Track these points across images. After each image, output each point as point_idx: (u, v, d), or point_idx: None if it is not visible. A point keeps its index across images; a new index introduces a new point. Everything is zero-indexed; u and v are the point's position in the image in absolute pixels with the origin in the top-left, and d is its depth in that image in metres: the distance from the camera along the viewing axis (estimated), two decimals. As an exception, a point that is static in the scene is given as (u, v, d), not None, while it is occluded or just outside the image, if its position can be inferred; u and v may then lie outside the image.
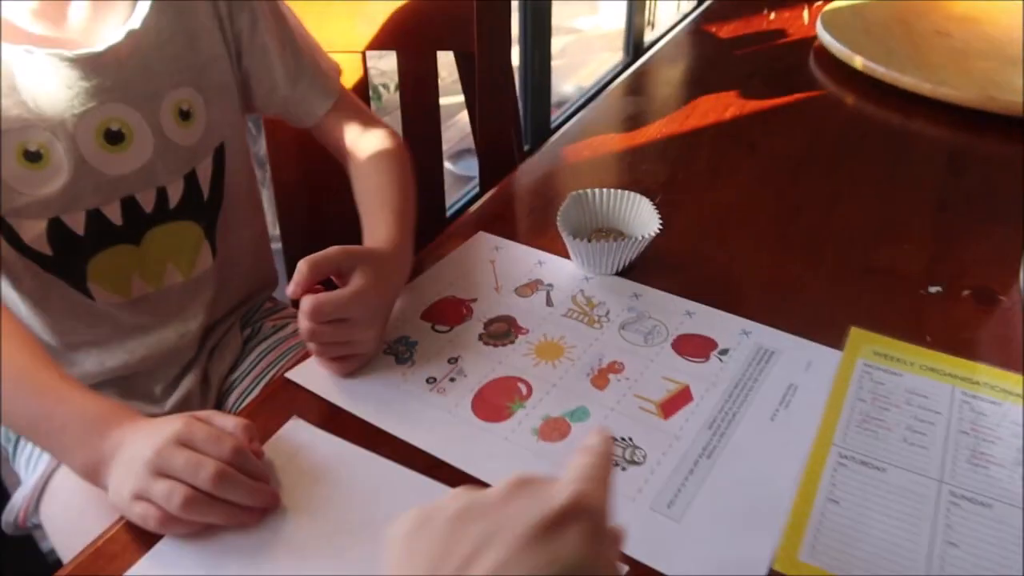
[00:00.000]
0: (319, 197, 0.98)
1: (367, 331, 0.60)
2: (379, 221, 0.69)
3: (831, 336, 0.65)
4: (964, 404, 0.59)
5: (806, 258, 0.76)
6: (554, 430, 0.56)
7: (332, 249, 0.60)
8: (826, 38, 1.16)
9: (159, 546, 0.48)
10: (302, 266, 0.58)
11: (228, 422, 0.53)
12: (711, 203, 0.85)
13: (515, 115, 1.02)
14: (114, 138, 0.64)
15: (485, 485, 0.51)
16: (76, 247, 0.67)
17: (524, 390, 0.60)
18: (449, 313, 0.67)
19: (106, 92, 0.63)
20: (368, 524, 0.50)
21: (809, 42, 1.23)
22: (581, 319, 0.67)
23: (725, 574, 0.47)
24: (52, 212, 0.64)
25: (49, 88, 0.61)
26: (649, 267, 0.73)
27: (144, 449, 0.49)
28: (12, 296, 0.68)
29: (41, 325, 0.70)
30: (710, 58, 1.23)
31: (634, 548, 0.48)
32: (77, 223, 0.66)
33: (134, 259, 0.70)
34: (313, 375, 0.60)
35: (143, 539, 0.49)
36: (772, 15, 1.34)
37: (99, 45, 0.63)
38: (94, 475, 0.52)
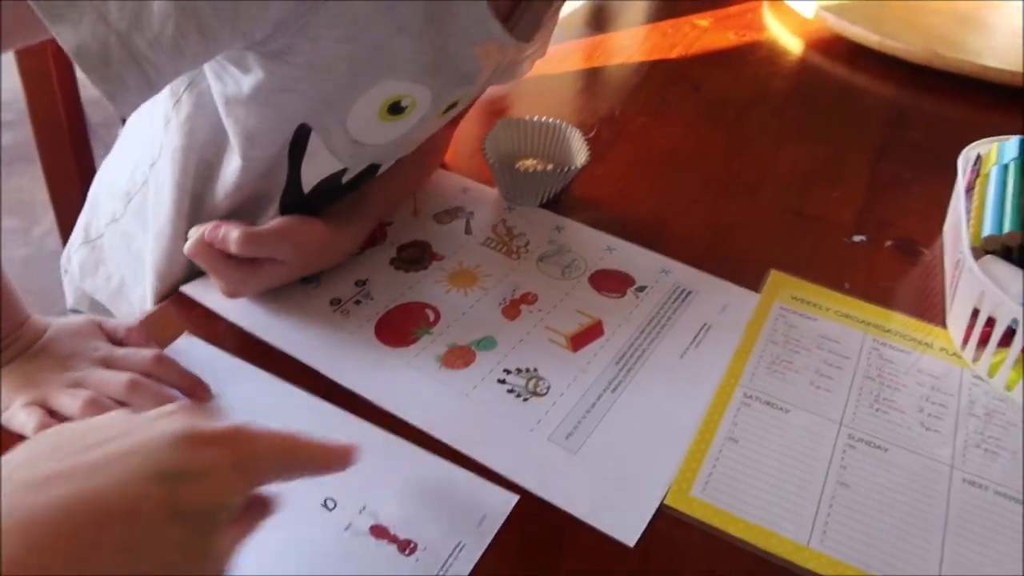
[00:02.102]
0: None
1: (260, 282, 0.56)
2: (375, 189, 0.63)
3: (752, 280, 0.64)
4: (874, 351, 0.59)
5: (738, 201, 0.74)
6: (458, 358, 0.54)
7: (271, 233, 0.54)
8: (782, -16, 1.13)
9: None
10: (241, 238, 0.52)
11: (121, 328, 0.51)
12: (648, 141, 0.83)
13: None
14: (395, 110, 0.55)
15: (383, 411, 0.50)
16: (330, 195, 0.61)
17: (432, 316, 0.57)
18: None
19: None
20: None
21: (765, -11, 1.20)
22: (499, 248, 0.64)
23: (615, 507, 0.46)
24: (351, 163, 0.58)
25: None
26: (575, 202, 0.71)
27: (58, 367, 0.48)
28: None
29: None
30: (664, -2, 1.20)
31: (526, 478, 0.47)
32: (352, 172, 0.60)
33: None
34: (210, 291, 0.57)
35: None
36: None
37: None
38: None
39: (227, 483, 0.32)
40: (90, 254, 0.68)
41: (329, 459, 0.37)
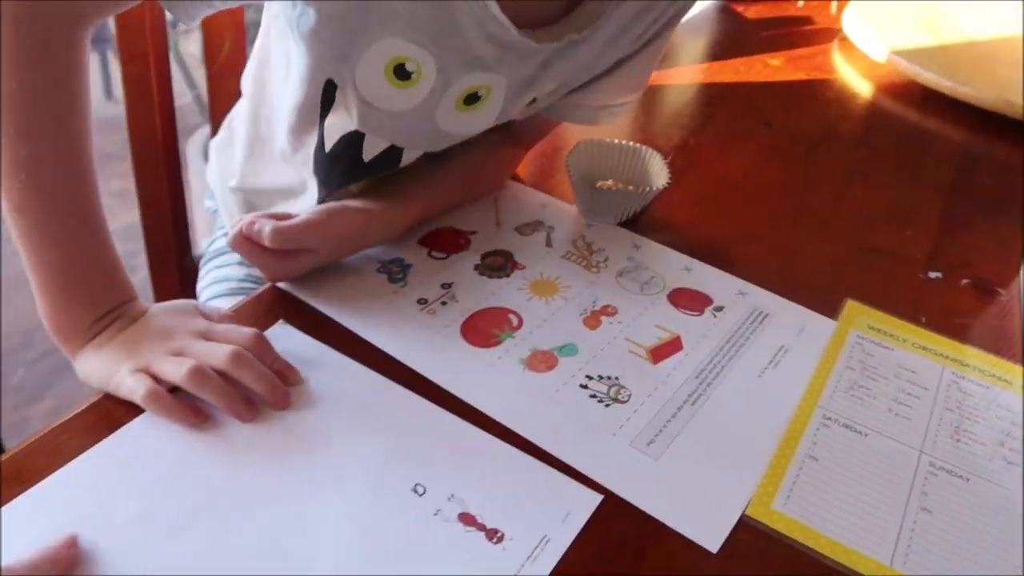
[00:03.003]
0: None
1: (295, 269, 0.59)
2: (415, 184, 0.66)
3: (826, 307, 0.64)
4: (952, 384, 0.59)
5: (810, 231, 0.75)
6: (541, 362, 0.56)
7: (299, 227, 0.57)
8: (851, 29, 1.15)
9: (126, 427, 0.48)
10: (271, 233, 0.55)
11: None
12: (721, 170, 0.84)
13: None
14: (471, 100, 0.59)
15: (465, 405, 0.52)
16: (352, 165, 0.63)
17: (515, 321, 0.59)
18: (447, 241, 0.66)
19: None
20: (343, 434, 0.49)
21: (834, 33, 1.22)
22: (579, 262, 0.66)
23: (698, 514, 0.47)
24: (366, 128, 0.60)
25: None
26: (652, 223, 0.72)
27: (162, 336, 0.50)
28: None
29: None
30: (733, 35, 1.22)
31: (608, 479, 0.48)
32: (373, 148, 0.62)
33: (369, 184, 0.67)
34: (302, 281, 0.60)
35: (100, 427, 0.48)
36: (800, 2, 1.33)
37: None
38: (74, 336, 0.51)
39: None
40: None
41: None
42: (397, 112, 0.59)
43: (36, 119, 0.48)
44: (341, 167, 0.63)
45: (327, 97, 0.59)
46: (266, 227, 0.55)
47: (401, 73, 0.56)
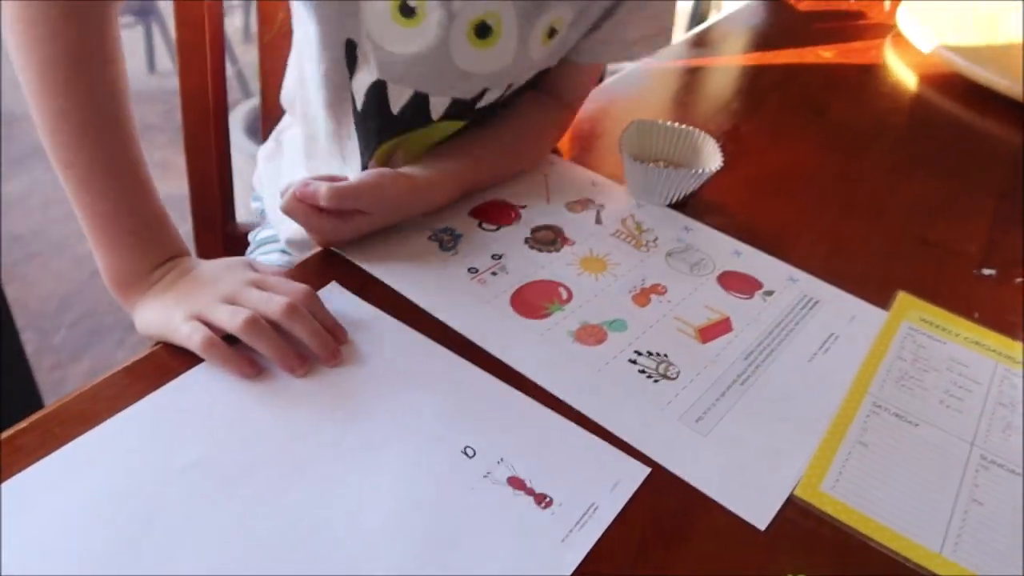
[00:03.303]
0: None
1: (349, 231, 0.59)
2: (461, 152, 0.66)
3: (877, 298, 0.64)
4: (1005, 379, 0.58)
5: (860, 223, 0.74)
6: (591, 335, 0.56)
7: (356, 187, 0.57)
8: (905, 25, 1.13)
9: (184, 376, 0.48)
10: (328, 192, 0.55)
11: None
12: (772, 157, 0.83)
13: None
14: (483, 32, 0.60)
15: (514, 372, 0.52)
16: (382, 120, 0.64)
17: (564, 295, 0.59)
18: (498, 214, 0.66)
19: None
20: (395, 394, 0.49)
21: (887, 28, 1.20)
22: (628, 241, 0.66)
23: (746, 491, 0.47)
24: (388, 76, 0.62)
25: None
26: (701, 206, 0.72)
27: (217, 283, 0.51)
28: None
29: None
30: (785, 26, 1.20)
31: (657, 453, 0.48)
32: (399, 98, 0.63)
33: (409, 141, 0.67)
34: (353, 246, 0.60)
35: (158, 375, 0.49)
36: (853, -2, 1.31)
37: None
38: (131, 286, 0.52)
39: None
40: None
41: None
42: (413, 54, 0.60)
43: (72, 75, 0.50)
44: (374, 125, 0.64)
45: (351, 58, 0.60)
46: (322, 187, 0.55)
47: (406, 11, 0.57)
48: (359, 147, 0.66)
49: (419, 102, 0.63)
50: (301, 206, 0.56)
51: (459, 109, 0.65)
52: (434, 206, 0.64)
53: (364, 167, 0.67)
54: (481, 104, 0.66)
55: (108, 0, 0.51)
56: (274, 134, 0.82)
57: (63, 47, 0.49)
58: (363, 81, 0.62)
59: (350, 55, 0.61)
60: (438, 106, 0.64)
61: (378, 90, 0.62)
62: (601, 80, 0.93)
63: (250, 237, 0.87)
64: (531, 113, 0.72)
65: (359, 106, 0.64)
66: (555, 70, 0.70)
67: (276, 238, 0.80)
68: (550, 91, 0.74)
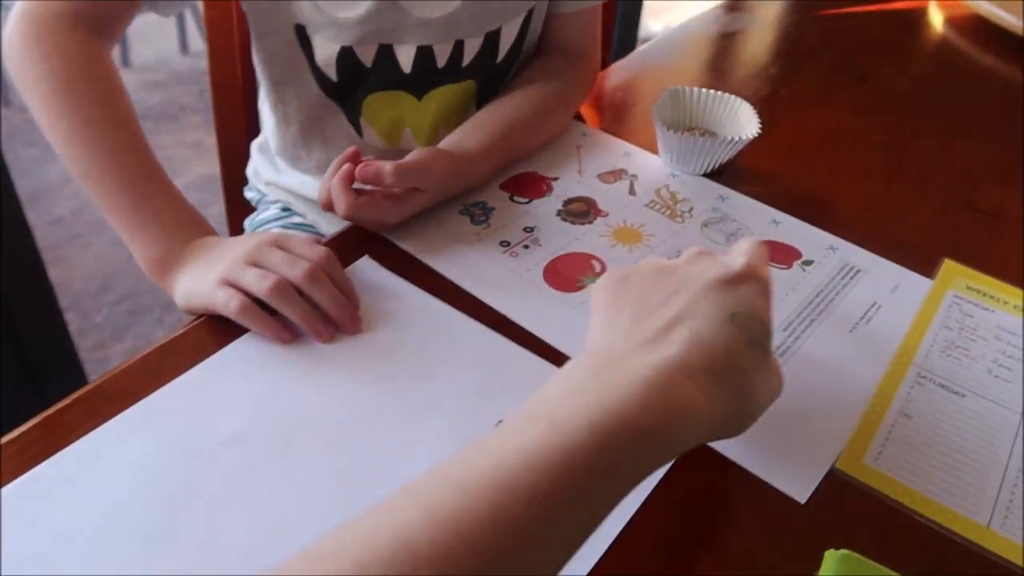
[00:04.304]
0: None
1: (407, 209, 0.59)
2: (490, 125, 0.66)
3: (922, 266, 0.62)
4: (1057, 348, 0.56)
5: (905, 189, 0.72)
6: (625, 308, 0.55)
7: (417, 164, 0.58)
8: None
9: (224, 350, 0.49)
10: (394, 170, 0.56)
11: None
12: (811, 123, 0.81)
13: (610, 16, 0.98)
14: None
15: (549, 347, 0.51)
16: (360, 78, 0.67)
17: (598, 267, 0.58)
18: (529, 187, 0.66)
19: None
20: (428, 367, 0.49)
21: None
22: (663, 211, 0.65)
23: (786, 464, 0.46)
24: (346, 40, 0.64)
25: None
26: (738, 174, 0.70)
27: (241, 245, 0.51)
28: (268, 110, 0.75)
29: (285, 140, 0.75)
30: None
31: (695, 426, 0.47)
32: (367, 55, 0.66)
33: (412, 112, 0.70)
34: (388, 222, 0.60)
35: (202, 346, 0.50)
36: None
37: None
38: (165, 267, 0.53)
39: (766, 310, 0.39)
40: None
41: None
42: (365, 12, 0.63)
43: (67, 99, 0.56)
44: (358, 92, 0.68)
45: (303, 41, 0.65)
46: (387, 166, 0.56)
47: None
48: (346, 120, 0.69)
49: (387, 55, 0.65)
50: (362, 202, 0.57)
51: (452, 67, 0.67)
52: (476, 182, 0.64)
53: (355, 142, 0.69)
54: (469, 61, 0.68)
55: (84, 30, 0.58)
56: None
57: (56, 78, 0.56)
58: (327, 52, 0.65)
59: (302, 38, 0.65)
60: (404, 59, 0.66)
61: (346, 56, 0.65)
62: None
63: (245, 224, 0.87)
64: (546, 77, 0.72)
65: (334, 77, 0.67)
66: (550, 26, 0.73)
67: (269, 219, 0.81)
68: (557, 49, 0.74)
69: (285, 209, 0.80)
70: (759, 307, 0.39)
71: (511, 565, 0.28)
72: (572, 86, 0.73)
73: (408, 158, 0.58)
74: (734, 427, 0.38)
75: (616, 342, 0.37)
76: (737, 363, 0.36)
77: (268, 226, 0.81)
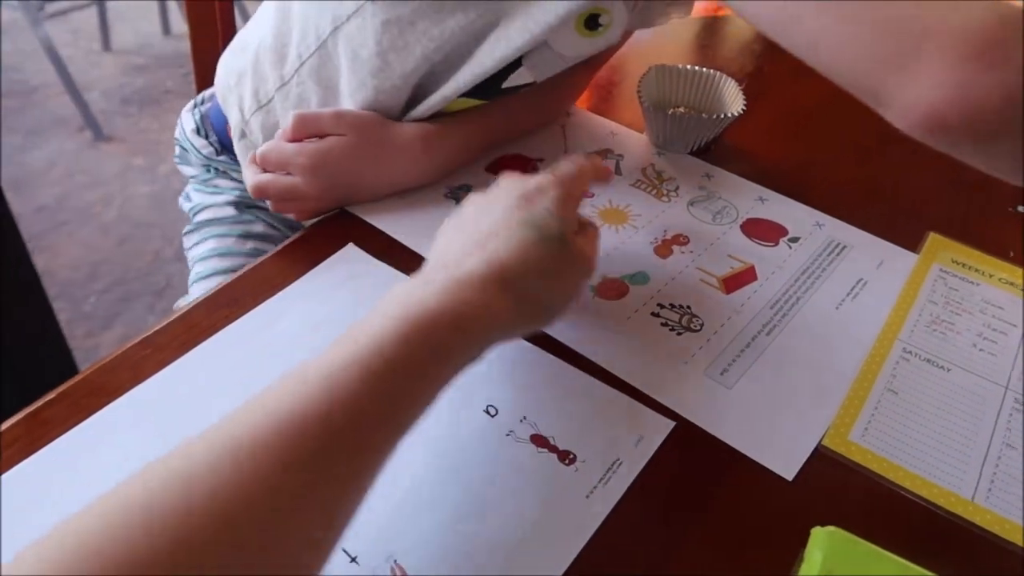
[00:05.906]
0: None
1: (308, 186, 0.58)
2: (465, 114, 0.64)
3: (906, 240, 0.62)
4: (1041, 321, 0.56)
5: (891, 163, 0.72)
6: (612, 289, 0.55)
7: (325, 111, 0.59)
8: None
9: (210, 340, 0.49)
10: (294, 118, 0.58)
11: None
12: (797, 98, 0.81)
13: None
14: (592, 24, 0.58)
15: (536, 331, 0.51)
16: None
17: (584, 249, 0.58)
18: (514, 168, 0.65)
19: None
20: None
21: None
22: (649, 191, 0.64)
23: (772, 443, 0.46)
24: None
25: None
26: (724, 152, 0.70)
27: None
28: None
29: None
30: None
31: (682, 406, 0.47)
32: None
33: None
34: (371, 206, 0.59)
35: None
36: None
37: None
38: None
39: (563, 208, 0.43)
40: (266, 117, 0.70)
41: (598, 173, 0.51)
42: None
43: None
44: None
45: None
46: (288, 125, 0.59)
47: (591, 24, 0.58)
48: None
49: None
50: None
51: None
52: (453, 157, 0.63)
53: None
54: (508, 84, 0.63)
55: None
56: (253, 105, 0.71)
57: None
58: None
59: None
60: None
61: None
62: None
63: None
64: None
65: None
66: None
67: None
68: None
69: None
70: (551, 208, 0.43)
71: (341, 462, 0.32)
72: (576, 82, 0.72)
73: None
74: (540, 320, 0.43)
75: (429, 270, 0.40)
76: (534, 264, 0.40)
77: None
